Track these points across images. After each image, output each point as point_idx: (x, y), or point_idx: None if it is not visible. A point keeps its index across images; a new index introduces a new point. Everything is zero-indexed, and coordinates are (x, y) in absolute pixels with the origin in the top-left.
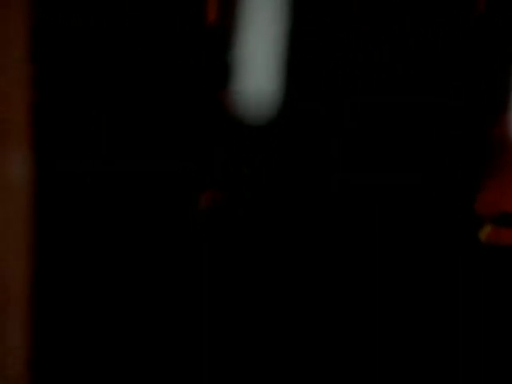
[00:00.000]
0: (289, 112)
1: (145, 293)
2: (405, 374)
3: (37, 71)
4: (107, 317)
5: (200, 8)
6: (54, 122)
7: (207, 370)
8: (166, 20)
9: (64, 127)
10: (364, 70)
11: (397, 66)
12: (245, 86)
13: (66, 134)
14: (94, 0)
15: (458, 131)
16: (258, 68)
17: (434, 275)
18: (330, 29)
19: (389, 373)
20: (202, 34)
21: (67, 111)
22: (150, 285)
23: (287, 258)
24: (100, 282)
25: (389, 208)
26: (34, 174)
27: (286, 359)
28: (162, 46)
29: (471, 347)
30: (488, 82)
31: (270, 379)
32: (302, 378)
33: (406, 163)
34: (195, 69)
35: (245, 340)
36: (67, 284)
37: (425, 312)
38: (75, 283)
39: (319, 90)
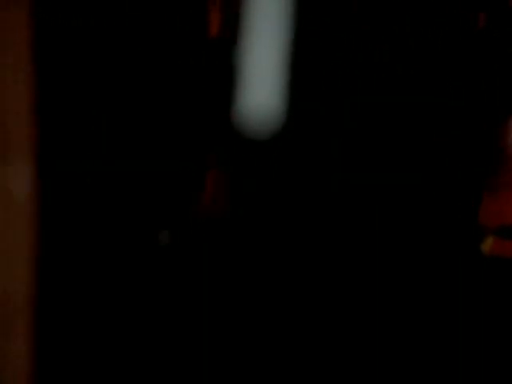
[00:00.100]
0: (293, 125)
1: (153, 306)
2: (403, 381)
3: (39, 76)
4: (113, 330)
5: (202, 20)
6: (59, 132)
7: (217, 371)
8: (168, 31)
9: (70, 136)
10: (372, 80)
11: (411, 81)
12: (247, 98)
13: (71, 142)
14: (96, 14)
15: (462, 140)
16: (261, 80)
17: (434, 287)
18: (336, 42)
19: (387, 379)
20: (204, 46)
21: (72, 119)
22: (158, 297)
23: (290, 270)
24: (107, 297)
25: (390, 218)
26: (37, 188)
27: (286, 359)
28: (163, 56)
29: (473, 359)
30: (491, 89)
31: (270, 379)
32: (302, 378)
33: (410, 176)
34: (198, 81)
35: (245, 340)
36: (72, 298)
37: (425, 324)
38: (80, 297)
39: (324, 106)
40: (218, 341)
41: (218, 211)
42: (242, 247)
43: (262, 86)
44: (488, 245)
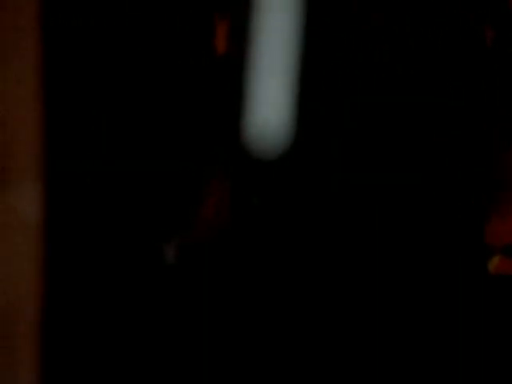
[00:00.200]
0: (300, 143)
1: (159, 320)
2: None
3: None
4: (122, 344)
5: (210, 35)
6: (68, 149)
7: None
8: (176, 44)
9: (80, 151)
10: (378, 91)
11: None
12: (255, 116)
13: (82, 157)
14: (104, 25)
15: (468, 157)
16: (269, 98)
17: (440, 304)
18: (347, 58)
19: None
20: (211, 63)
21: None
22: (163, 310)
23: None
24: (115, 313)
25: (397, 237)
26: (44, 208)
27: (286, 360)
28: (171, 69)
29: (479, 376)
30: (494, 91)
31: (270, 379)
32: (303, 378)
33: (419, 194)
34: (204, 95)
35: (245, 341)
36: (81, 317)
37: (431, 340)
38: (89, 317)
39: (332, 122)
40: (220, 346)
41: (221, 223)
42: (245, 259)
43: (268, 100)
44: (494, 264)
